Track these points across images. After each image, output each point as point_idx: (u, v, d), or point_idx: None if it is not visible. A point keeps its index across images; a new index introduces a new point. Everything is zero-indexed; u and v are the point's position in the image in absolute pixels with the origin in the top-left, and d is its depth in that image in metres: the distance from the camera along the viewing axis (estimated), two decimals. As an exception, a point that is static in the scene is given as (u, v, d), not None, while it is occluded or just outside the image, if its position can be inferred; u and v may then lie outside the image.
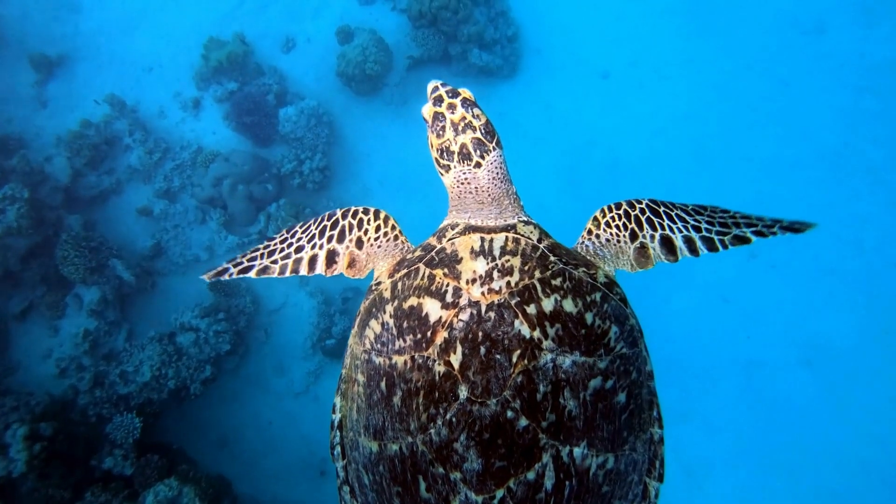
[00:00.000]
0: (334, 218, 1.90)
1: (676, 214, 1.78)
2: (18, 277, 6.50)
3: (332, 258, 1.85)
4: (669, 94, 7.34)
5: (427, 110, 1.77)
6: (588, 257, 1.74)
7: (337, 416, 1.74)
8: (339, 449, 1.72)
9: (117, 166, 7.32)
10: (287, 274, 1.86)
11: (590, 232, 1.82)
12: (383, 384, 1.52)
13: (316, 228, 1.90)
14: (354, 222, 1.88)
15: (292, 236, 1.91)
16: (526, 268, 1.52)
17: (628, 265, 1.76)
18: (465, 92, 1.76)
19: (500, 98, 7.51)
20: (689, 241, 1.73)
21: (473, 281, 1.50)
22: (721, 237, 1.72)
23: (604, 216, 1.82)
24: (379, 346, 1.56)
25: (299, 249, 1.88)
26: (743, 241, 1.70)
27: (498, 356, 1.41)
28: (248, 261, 1.90)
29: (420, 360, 1.46)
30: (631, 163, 7.19)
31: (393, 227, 1.89)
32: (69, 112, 7.56)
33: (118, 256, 6.75)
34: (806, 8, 7.48)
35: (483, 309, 1.46)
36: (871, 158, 7.20)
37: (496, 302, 1.46)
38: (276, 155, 7.34)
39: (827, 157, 7.17)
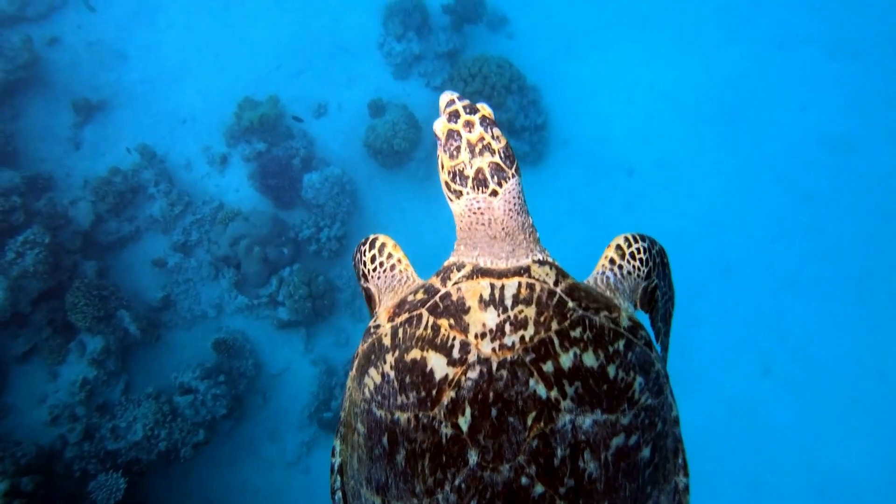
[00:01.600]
0: (353, 260, 1.93)
1: (668, 277, 1.75)
2: (26, 319, 6.50)
3: (370, 296, 1.84)
4: (694, 198, 7.32)
5: (440, 126, 1.54)
6: (608, 292, 1.61)
7: (337, 460, 1.63)
8: (340, 495, 1.60)
9: (139, 214, 7.40)
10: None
11: (612, 261, 1.69)
12: (385, 440, 1.40)
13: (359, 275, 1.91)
14: (358, 257, 1.86)
15: (365, 266, 1.89)
16: (541, 319, 1.38)
17: (633, 303, 1.67)
18: (485, 108, 1.54)
19: (523, 183, 7.53)
20: (655, 303, 1.77)
21: (483, 335, 1.36)
22: (664, 312, 1.80)
23: (629, 246, 1.70)
24: (380, 398, 1.42)
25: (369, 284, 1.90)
26: (656, 331, 1.78)
27: (511, 419, 1.28)
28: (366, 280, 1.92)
29: (425, 421, 1.33)
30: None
31: (389, 256, 1.77)
32: (101, 156, 7.73)
33: (127, 307, 6.75)
34: (836, 126, 7.50)
35: (494, 367, 1.32)
36: (893, 285, 7.05)
37: (509, 359, 1.32)
38: (296, 219, 7.38)
39: (851, 279, 7.03)
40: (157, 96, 8.00)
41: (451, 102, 1.55)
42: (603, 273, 1.68)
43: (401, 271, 1.75)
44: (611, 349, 1.38)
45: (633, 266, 1.68)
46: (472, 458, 1.28)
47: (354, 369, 1.57)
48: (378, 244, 1.79)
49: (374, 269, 1.77)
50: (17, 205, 6.47)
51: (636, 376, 1.39)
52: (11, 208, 6.42)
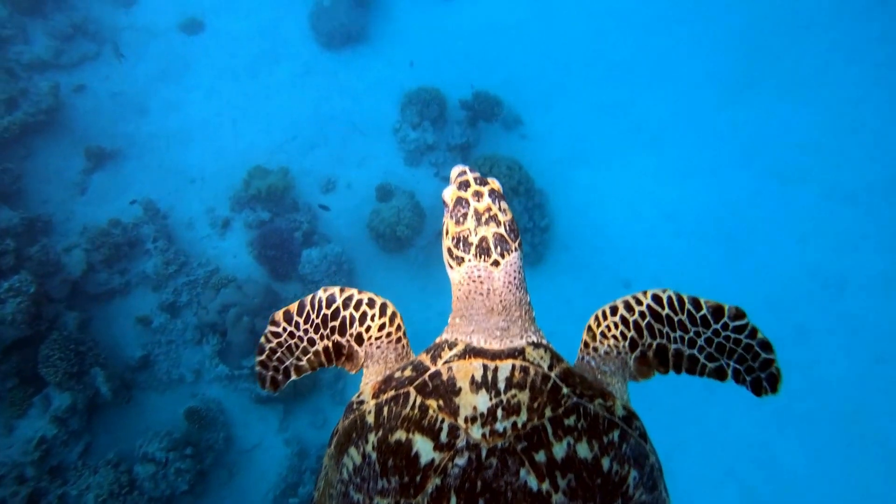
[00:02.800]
0: (334, 306, 1.68)
1: (679, 321, 1.57)
2: (-6, 367, 6.27)
3: (338, 350, 1.69)
4: (687, 318, 7.33)
5: (450, 193, 1.58)
6: (599, 375, 1.56)
7: None
8: None
9: (132, 268, 7.31)
10: (316, 368, 1.73)
11: (586, 345, 1.62)
12: None
13: (317, 318, 1.69)
14: (357, 315, 1.67)
15: (296, 328, 1.71)
16: (535, 405, 1.31)
17: (632, 376, 1.60)
18: (494, 182, 1.59)
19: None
20: (677, 356, 1.57)
21: (473, 419, 1.28)
22: (706, 362, 1.56)
23: (598, 325, 1.61)
24: (359, 480, 1.33)
25: (311, 342, 1.71)
26: (720, 376, 1.55)
27: None
28: (279, 362, 1.74)
29: None
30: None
31: (398, 328, 1.68)
32: (104, 204, 7.73)
33: (102, 365, 6.53)
34: (830, 263, 7.66)
35: (483, 454, 1.24)
36: (883, 428, 6.98)
37: (499, 446, 1.25)
38: (290, 292, 7.31)
39: (837, 420, 6.97)
40: (171, 152, 8.11)
41: (463, 173, 1.60)
42: (582, 359, 1.62)
43: (403, 346, 1.70)
44: (605, 440, 1.32)
45: (609, 345, 1.60)
46: None
47: (333, 447, 1.48)
48: (389, 312, 1.69)
49: (380, 338, 1.67)
50: (10, 248, 6.39)
51: (631, 470, 1.32)
52: (3, 251, 6.33)
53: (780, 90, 8.78)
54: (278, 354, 1.72)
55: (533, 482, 1.23)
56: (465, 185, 1.56)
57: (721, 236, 7.86)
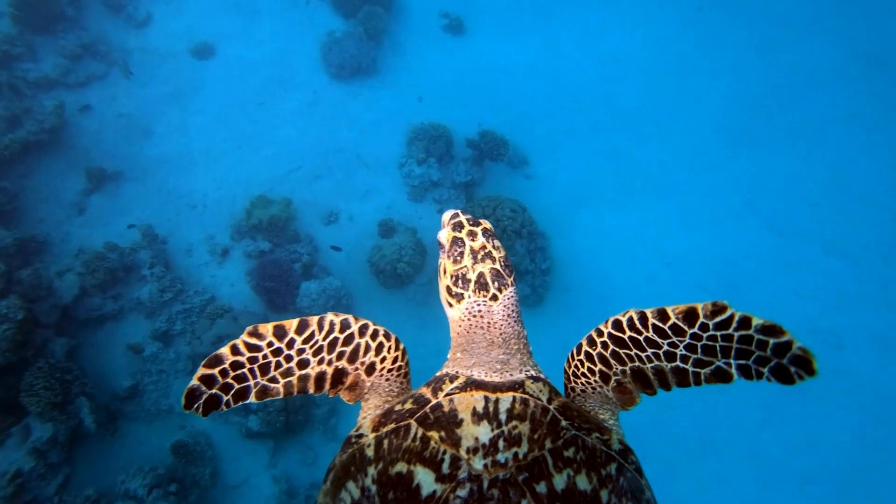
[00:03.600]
0: (348, 332, 1.59)
1: (646, 339, 1.47)
2: (-26, 394, 6.04)
3: (339, 377, 1.59)
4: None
5: (445, 235, 1.66)
6: (590, 412, 1.56)
7: None
8: None
9: (125, 294, 7.15)
10: (294, 393, 1.56)
11: (565, 387, 1.64)
12: None
13: (324, 340, 1.57)
14: (373, 345, 1.62)
15: (289, 344, 1.54)
16: (535, 436, 1.32)
17: (618, 407, 1.58)
18: (486, 223, 1.68)
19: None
20: (659, 373, 1.47)
21: (475, 450, 1.29)
22: (697, 369, 1.42)
23: (568, 366, 1.62)
24: None
25: (303, 364, 1.55)
26: (723, 378, 1.40)
27: None
28: (236, 381, 1.50)
29: None
30: (639, 427, 6.96)
31: (407, 363, 1.67)
32: (102, 226, 7.60)
33: (88, 395, 6.33)
34: (827, 320, 7.69)
35: (486, 485, 1.23)
36: (879, 489, 6.93)
37: (500, 477, 1.24)
38: (286, 324, 7.18)
39: (836, 476, 6.91)
40: (173, 177, 8.02)
41: (456, 215, 1.70)
42: (571, 399, 1.63)
43: (407, 381, 1.69)
44: (603, 472, 1.31)
45: (582, 383, 1.59)
46: None
47: (329, 483, 1.43)
48: (402, 347, 1.66)
49: (391, 371, 1.63)
50: (0, 272, 6.23)
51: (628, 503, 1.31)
52: (-5, 274, 6.17)
53: (782, 145, 8.94)
54: (240, 372, 1.51)
55: None
56: (459, 226, 1.65)
57: (720, 287, 7.87)
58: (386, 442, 1.37)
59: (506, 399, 1.39)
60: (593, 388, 1.58)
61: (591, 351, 1.56)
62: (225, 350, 1.51)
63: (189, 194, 7.92)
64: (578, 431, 1.37)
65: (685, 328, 1.43)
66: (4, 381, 6.15)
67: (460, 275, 1.59)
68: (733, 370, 1.39)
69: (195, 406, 1.48)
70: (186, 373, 6.96)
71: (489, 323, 1.57)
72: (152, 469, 6.21)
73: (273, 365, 1.55)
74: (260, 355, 1.53)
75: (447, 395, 1.42)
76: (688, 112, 9.23)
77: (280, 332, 1.54)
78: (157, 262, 7.26)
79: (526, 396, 1.41)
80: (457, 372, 1.52)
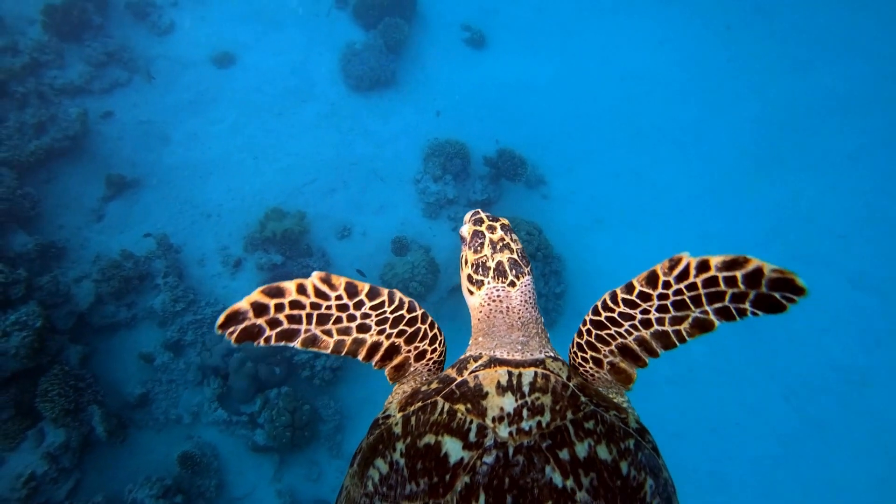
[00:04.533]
0: (414, 314, 1.64)
1: (620, 314, 1.51)
2: (-9, 398, 6.17)
3: (391, 353, 1.64)
4: (701, 402, 7.12)
5: (467, 229, 1.81)
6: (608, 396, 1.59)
7: None
8: None
9: (139, 302, 7.24)
10: (342, 352, 1.54)
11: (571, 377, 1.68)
12: None
13: (392, 314, 1.60)
14: (430, 334, 1.68)
15: (357, 306, 1.54)
16: (557, 407, 1.37)
17: (620, 388, 1.62)
18: (504, 220, 1.82)
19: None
20: (642, 343, 1.51)
21: (500, 419, 1.33)
22: (676, 327, 1.43)
23: (571, 363, 1.70)
24: (385, 489, 1.34)
25: (364, 328, 1.57)
26: (704, 326, 1.38)
27: None
28: (291, 320, 1.46)
29: None
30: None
31: (441, 355, 1.73)
32: (119, 233, 7.70)
33: (100, 402, 6.42)
34: (853, 356, 7.41)
35: (511, 451, 1.28)
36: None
37: (525, 444, 1.29)
38: (295, 339, 7.19)
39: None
40: (189, 185, 8.09)
41: (476, 213, 1.86)
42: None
43: (435, 372, 1.73)
44: (622, 446, 1.35)
45: (585, 370, 1.66)
46: None
47: (357, 464, 1.47)
48: (443, 346, 1.72)
49: (433, 362, 1.70)
50: (21, 278, 6.34)
51: (647, 477, 1.34)
52: (14, 281, 6.28)
53: (811, 171, 8.63)
54: (296, 313, 1.46)
55: (558, 479, 1.25)
56: (479, 221, 1.81)
57: (745, 336, 7.64)
58: (413, 419, 1.41)
59: (528, 373, 1.43)
60: (592, 376, 1.63)
61: (579, 341, 1.63)
62: (290, 285, 1.45)
63: (204, 204, 7.98)
64: (597, 407, 1.41)
65: (650, 292, 1.44)
66: (21, 385, 6.27)
67: (480, 263, 1.73)
68: (711, 316, 1.37)
69: (231, 330, 1.41)
70: (196, 383, 7.01)
71: (508, 308, 1.68)
72: (159, 479, 6.28)
73: (333, 318, 1.53)
74: (324, 304, 1.50)
75: (472, 372, 1.47)
76: (712, 134, 8.97)
77: (352, 290, 1.53)
78: (170, 271, 7.33)
79: (547, 372, 1.45)
80: (480, 353, 1.57)
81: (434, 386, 1.49)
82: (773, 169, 8.72)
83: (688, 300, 1.39)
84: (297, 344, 1.49)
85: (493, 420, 1.33)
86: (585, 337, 1.61)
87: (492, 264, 1.71)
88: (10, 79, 7.48)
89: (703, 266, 1.34)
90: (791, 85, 9.38)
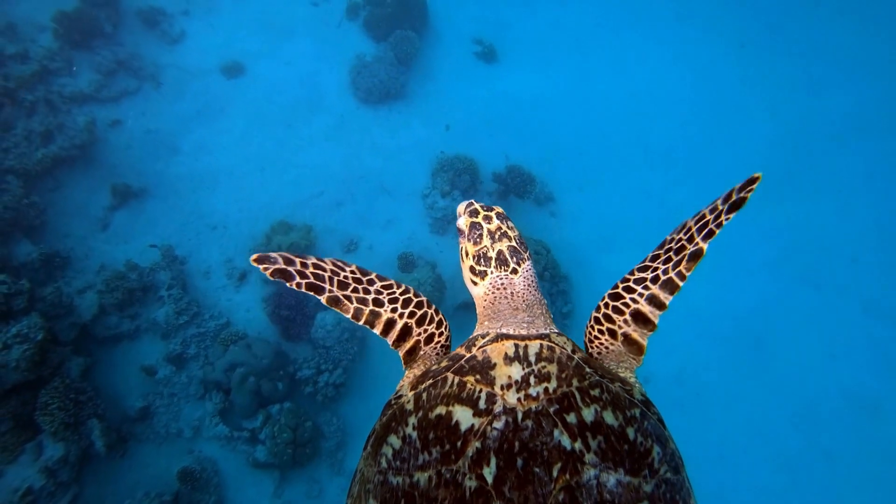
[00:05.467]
0: (420, 299, 1.79)
1: (635, 280, 1.70)
2: (-9, 410, 6.11)
3: (405, 334, 1.75)
4: (707, 426, 6.99)
5: (463, 221, 1.86)
6: (615, 370, 1.66)
7: None
8: None
9: (142, 314, 7.18)
10: (360, 321, 1.70)
11: (589, 354, 1.77)
12: None
13: (401, 295, 1.77)
14: (437, 318, 1.80)
15: (370, 283, 1.75)
16: (563, 375, 1.41)
17: (632, 363, 1.70)
18: (498, 208, 1.88)
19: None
20: (652, 299, 1.66)
21: (509, 386, 1.38)
22: (677, 268, 1.64)
23: (586, 338, 1.79)
24: (398, 463, 1.37)
25: (378, 303, 1.73)
26: (696, 257, 1.61)
27: (537, 469, 1.25)
28: (316, 278, 1.67)
29: (448, 475, 1.27)
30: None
31: (447, 339, 1.82)
32: (124, 242, 7.65)
33: (100, 416, 6.36)
34: (864, 384, 7.29)
35: (520, 416, 1.32)
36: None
37: (533, 409, 1.34)
38: (299, 354, 7.11)
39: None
40: (196, 196, 8.04)
41: (471, 204, 1.89)
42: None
43: (443, 356, 1.78)
44: (628, 413, 1.39)
45: (597, 346, 1.74)
46: None
47: (370, 445, 1.52)
48: (446, 325, 1.82)
49: (439, 343, 1.78)
50: (24, 289, 6.28)
51: (654, 444, 1.36)
52: (17, 292, 6.23)
53: (823, 194, 8.52)
54: (321, 272, 1.69)
55: (566, 441, 1.28)
56: (475, 213, 1.85)
57: (747, 341, 7.54)
58: (425, 394, 1.46)
59: (534, 345, 1.49)
60: (607, 348, 1.71)
61: (597, 315, 1.74)
62: (311, 256, 1.69)
63: (210, 215, 7.93)
64: (602, 378, 1.45)
65: (659, 252, 1.70)
66: (21, 397, 6.21)
67: (481, 254, 1.79)
68: (701, 244, 1.60)
69: (266, 266, 1.63)
70: (197, 397, 6.95)
71: (512, 293, 1.75)
72: (158, 495, 6.21)
73: (352, 287, 1.71)
74: (342, 273, 1.72)
75: (480, 347, 1.52)
76: (724, 154, 8.88)
77: (363, 271, 1.77)
78: (175, 283, 7.27)
79: (552, 344, 1.51)
80: (487, 331, 1.62)
81: (444, 364, 1.55)
82: (785, 190, 8.61)
83: (684, 241, 1.65)
84: (323, 299, 1.66)
85: (502, 388, 1.38)
86: (603, 310, 1.72)
87: (492, 254, 1.77)
88: (19, 86, 7.46)
89: (699, 216, 1.65)
90: (805, 105, 9.27)
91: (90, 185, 7.83)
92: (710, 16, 9.81)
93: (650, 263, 1.70)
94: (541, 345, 1.50)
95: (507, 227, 1.84)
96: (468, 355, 1.51)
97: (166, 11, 9.13)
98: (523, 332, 1.60)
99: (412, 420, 1.41)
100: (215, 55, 9.04)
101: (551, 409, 1.33)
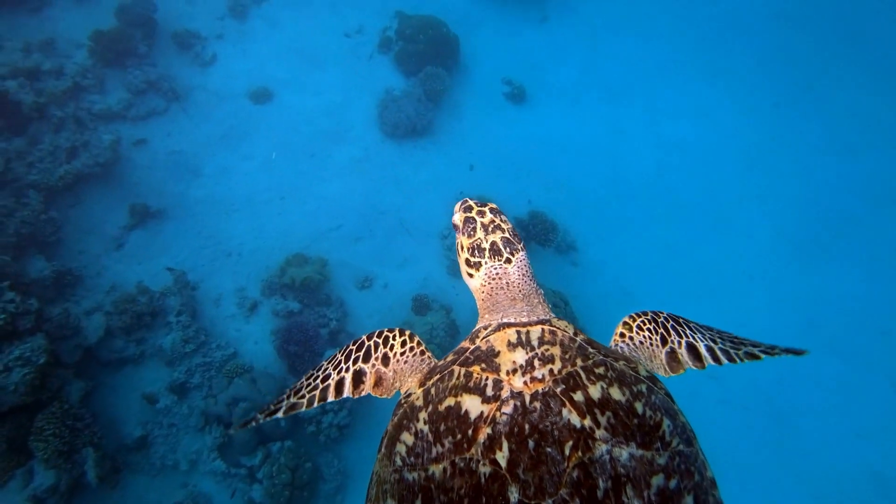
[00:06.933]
0: (359, 341, 1.89)
1: (694, 326, 1.82)
2: (-15, 431, 5.95)
3: (358, 378, 1.80)
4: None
5: (458, 217, 1.92)
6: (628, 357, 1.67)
7: None
8: None
9: (148, 339, 7.03)
10: (315, 404, 1.81)
11: (622, 335, 1.81)
12: (419, 503, 1.32)
13: (342, 356, 1.88)
14: (380, 341, 1.86)
15: (318, 370, 1.90)
16: (567, 356, 1.44)
17: (661, 369, 1.73)
18: (491, 204, 1.94)
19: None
20: (710, 351, 1.75)
21: (514, 371, 1.41)
22: (735, 351, 1.74)
23: (634, 321, 1.83)
24: (412, 459, 1.39)
25: (326, 378, 1.84)
26: (753, 357, 1.73)
27: (549, 449, 1.26)
28: (275, 405, 1.84)
29: (462, 465, 1.29)
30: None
31: (419, 343, 1.86)
32: (137, 263, 7.56)
33: (96, 446, 6.16)
34: (891, 469, 6.90)
35: (527, 399, 1.34)
36: None
37: (540, 391, 1.36)
38: (304, 392, 6.91)
39: None
40: (213, 221, 7.96)
41: (465, 201, 1.97)
42: (616, 345, 1.78)
43: (429, 357, 1.84)
44: (635, 389, 1.40)
45: (644, 336, 1.78)
46: (513, 495, 1.23)
47: (384, 446, 1.55)
48: (408, 334, 1.88)
49: (403, 354, 1.82)
50: (32, 308, 6.17)
51: (663, 417, 1.37)
52: (25, 311, 6.12)
53: (854, 262, 8.25)
54: (281, 397, 1.89)
55: (576, 420, 1.29)
56: (469, 209, 1.93)
57: (768, 412, 7.21)
58: (433, 389, 1.49)
59: (536, 330, 1.52)
60: (650, 344, 1.76)
61: (656, 318, 1.83)
62: (300, 387, 1.90)
63: (227, 241, 7.83)
64: (606, 357, 1.47)
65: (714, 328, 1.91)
66: (17, 420, 6.04)
67: (476, 246, 1.85)
68: (758, 352, 1.73)
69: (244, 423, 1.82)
70: (197, 429, 6.74)
71: (507, 283, 1.79)
72: (147, 533, 5.97)
73: (305, 386, 1.88)
74: (299, 384, 1.92)
75: (483, 338, 1.55)
76: (751, 213, 8.66)
77: (318, 367, 1.94)
78: (184, 310, 7.14)
79: (554, 328, 1.54)
80: (489, 323, 1.66)
81: (450, 358, 1.58)
82: (814, 255, 8.35)
83: (747, 344, 1.83)
84: (280, 415, 1.81)
85: (508, 373, 1.40)
86: (662, 319, 1.84)
87: (486, 245, 1.83)
88: (50, 102, 7.49)
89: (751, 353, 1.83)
90: (837, 168, 9.07)
91: (109, 203, 7.79)
92: (744, 72, 9.71)
93: (701, 326, 1.85)
94: (542, 329, 1.52)
95: (501, 220, 1.89)
96: (472, 347, 1.54)
97: (201, 35, 9.21)
98: (524, 320, 1.63)
99: (423, 415, 1.44)
100: (245, 80, 9.07)
101: (558, 390, 1.35)
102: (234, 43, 9.34)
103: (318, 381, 1.85)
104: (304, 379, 1.92)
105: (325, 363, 1.91)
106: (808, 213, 8.66)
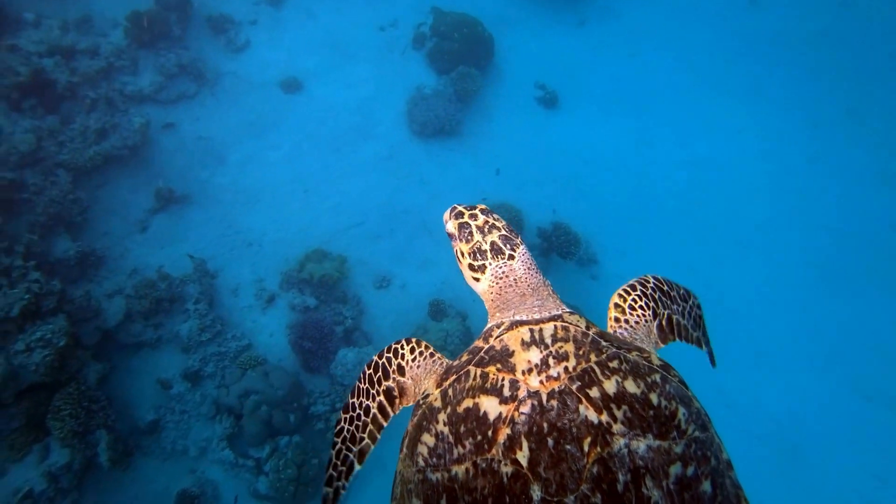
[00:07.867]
0: (373, 363, 1.94)
1: (673, 296, 1.94)
2: (3, 406, 6.09)
3: (390, 395, 1.88)
4: None
5: (451, 226, 1.94)
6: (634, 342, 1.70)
7: None
8: None
9: (166, 324, 7.11)
10: (379, 436, 1.87)
11: (617, 320, 1.82)
12: (444, 502, 1.37)
13: (365, 384, 1.94)
14: (391, 355, 1.92)
15: (353, 409, 1.93)
16: (580, 352, 1.46)
17: (653, 345, 1.77)
18: (481, 205, 1.96)
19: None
20: (678, 325, 1.89)
21: (529, 371, 1.43)
22: (692, 332, 1.93)
23: (625, 300, 1.84)
24: (434, 460, 1.43)
25: (367, 411, 1.89)
26: (698, 344, 1.93)
27: (568, 446, 1.29)
28: (342, 463, 1.88)
29: (483, 465, 1.33)
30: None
31: (427, 347, 1.93)
32: (160, 247, 7.63)
33: (109, 428, 6.28)
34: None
35: (544, 398, 1.37)
36: None
37: (556, 389, 1.38)
38: (316, 387, 6.95)
39: None
40: (236, 210, 7.98)
41: (454, 208, 1.99)
42: (615, 331, 1.78)
43: (440, 358, 1.90)
44: (649, 380, 1.42)
45: (638, 315, 1.82)
46: (536, 493, 1.26)
47: (406, 447, 1.58)
48: (414, 341, 1.94)
49: (414, 360, 1.90)
50: (55, 290, 6.27)
51: (678, 406, 1.40)
52: (48, 292, 6.21)
53: (883, 296, 8.00)
54: (343, 453, 1.89)
55: (593, 416, 1.32)
56: (460, 215, 1.95)
57: (784, 446, 7.07)
58: (450, 390, 1.51)
59: (548, 327, 1.53)
60: (645, 321, 1.80)
61: (645, 292, 1.87)
62: (332, 450, 1.92)
63: (248, 231, 7.85)
64: (619, 349, 1.49)
65: (688, 298, 2.04)
66: (36, 397, 6.17)
67: (476, 249, 1.86)
68: (702, 341, 2.02)
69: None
70: (208, 417, 6.82)
71: (515, 280, 1.80)
72: (155, 516, 6.09)
73: (357, 428, 1.91)
74: (346, 429, 1.93)
75: (497, 337, 1.56)
76: (780, 238, 8.44)
77: (345, 407, 1.96)
78: (202, 298, 7.19)
79: (566, 324, 1.55)
80: (501, 321, 1.66)
81: (465, 358, 1.59)
82: (843, 287, 8.11)
83: (696, 319, 2.08)
84: (358, 466, 1.88)
85: (523, 373, 1.42)
86: (650, 290, 1.90)
87: (486, 246, 1.84)
88: (84, 81, 7.53)
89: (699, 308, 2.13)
90: (874, 196, 8.78)
91: (135, 186, 7.84)
92: (785, 91, 9.41)
93: (681, 292, 2.02)
94: (555, 326, 1.54)
95: (493, 219, 1.91)
96: (486, 346, 1.55)
97: (235, 20, 9.17)
98: (536, 317, 1.64)
99: (442, 417, 1.46)
100: (276, 69, 9.03)
101: (574, 387, 1.37)
102: (267, 30, 9.28)
103: (361, 412, 1.91)
104: (342, 424, 1.93)
105: (353, 398, 1.95)
106: (840, 242, 8.41)
